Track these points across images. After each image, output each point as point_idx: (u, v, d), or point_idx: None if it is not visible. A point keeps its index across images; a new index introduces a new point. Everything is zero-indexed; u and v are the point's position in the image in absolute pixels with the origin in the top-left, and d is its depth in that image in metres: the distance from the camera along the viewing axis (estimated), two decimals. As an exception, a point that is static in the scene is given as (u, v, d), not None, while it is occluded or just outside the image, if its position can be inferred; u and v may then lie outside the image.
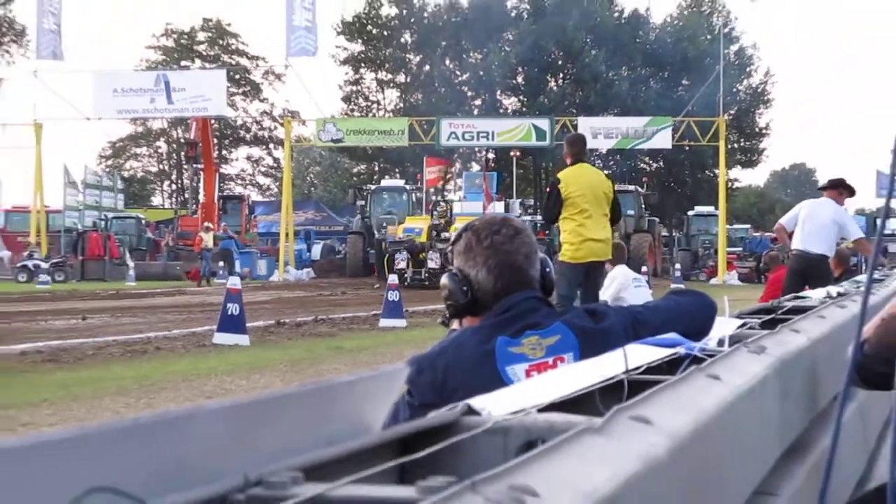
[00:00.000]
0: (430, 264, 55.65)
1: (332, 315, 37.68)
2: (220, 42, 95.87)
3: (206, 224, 70.69)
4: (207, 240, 65.49)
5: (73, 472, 2.40)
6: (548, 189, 19.97)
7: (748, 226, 71.32)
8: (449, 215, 62.88)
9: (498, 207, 67.15)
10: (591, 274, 19.01)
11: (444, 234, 58.88)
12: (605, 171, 32.92)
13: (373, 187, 73.37)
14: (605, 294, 18.58)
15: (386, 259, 59.37)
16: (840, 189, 23.26)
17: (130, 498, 2.41)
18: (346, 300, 51.31)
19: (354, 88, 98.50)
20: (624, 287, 17.90)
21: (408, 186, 75.06)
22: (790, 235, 22.69)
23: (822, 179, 26.61)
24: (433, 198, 67.65)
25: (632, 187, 68.12)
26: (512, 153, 76.69)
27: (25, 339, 27.61)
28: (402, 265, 56.89)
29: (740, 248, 68.78)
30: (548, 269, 5.62)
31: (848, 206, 26.70)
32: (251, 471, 2.79)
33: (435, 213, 61.80)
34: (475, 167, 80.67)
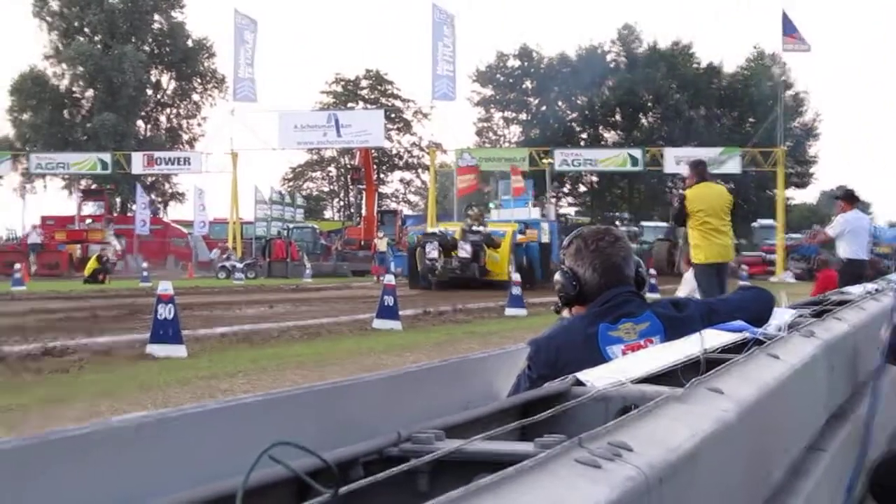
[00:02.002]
0: (462, 254, 48.13)
1: (468, 305, 36.67)
2: (379, 88, 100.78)
3: (380, 233, 75.09)
4: (380, 245, 68.90)
5: (263, 429, 2.42)
6: (677, 203, 19.80)
7: (802, 235, 67.61)
8: (482, 220, 54.15)
9: (534, 213, 60.03)
10: (720, 272, 19.06)
11: (476, 228, 51.21)
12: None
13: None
14: (684, 290, 18.57)
15: (417, 251, 50.90)
16: (856, 200, 24.05)
17: (307, 451, 2.50)
18: (478, 295, 44.78)
19: (485, 125, 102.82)
20: (694, 284, 18.33)
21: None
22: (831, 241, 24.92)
23: (862, 198, 27.84)
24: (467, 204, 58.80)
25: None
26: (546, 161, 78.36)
27: (224, 324, 28.00)
28: (434, 254, 48.97)
29: (795, 253, 66.62)
30: (640, 269, 5.73)
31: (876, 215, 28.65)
32: (403, 429, 2.88)
33: (468, 216, 53.08)
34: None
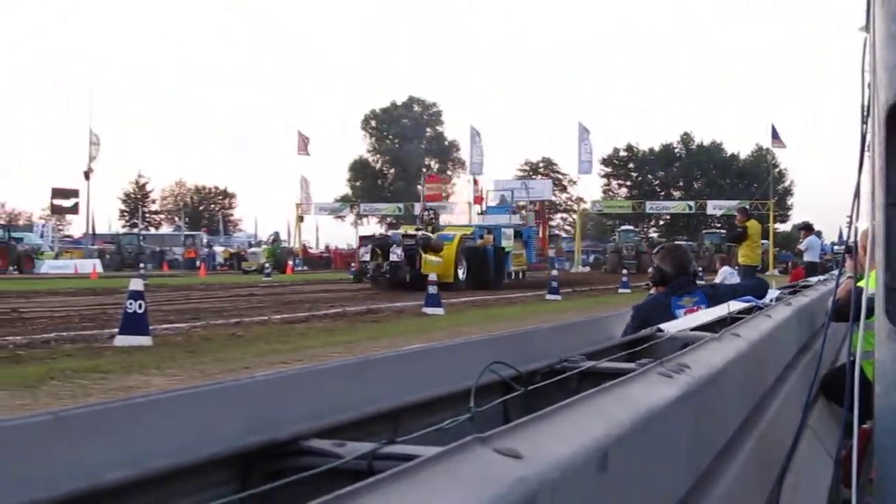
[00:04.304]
0: (392, 257, 39.49)
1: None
2: (550, 167, 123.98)
3: (551, 247, 79.39)
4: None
5: (483, 355, 3.14)
6: (739, 229, 26.74)
7: (786, 251, 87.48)
8: (435, 224, 47.17)
9: (514, 219, 56.28)
10: (755, 269, 25.88)
11: (410, 233, 42.93)
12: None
13: (619, 228, 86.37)
14: (718, 280, 21.10)
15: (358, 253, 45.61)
16: (812, 229, 32.42)
17: (510, 366, 3.32)
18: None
19: (607, 186, 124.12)
20: (726, 275, 20.65)
21: (635, 228, 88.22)
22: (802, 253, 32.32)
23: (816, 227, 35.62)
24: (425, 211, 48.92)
25: (723, 231, 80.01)
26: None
27: (465, 296, 31.42)
28: (367, 257, 41.21)
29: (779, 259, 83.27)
30: (695, 267, 7.50)
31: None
32: (562, 355, 3.77)
33: (422, 221, 46.20)
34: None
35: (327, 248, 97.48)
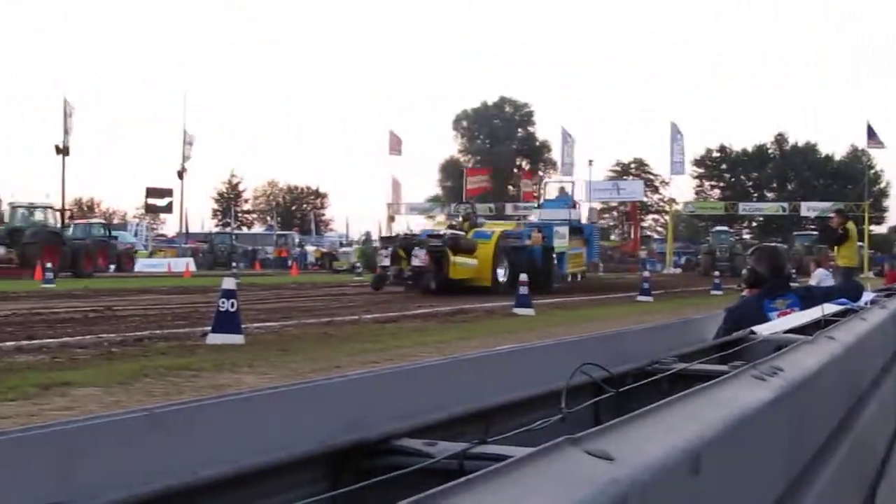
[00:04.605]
0: (414, 262, 32.96)
1: (693, 289, 42.02)
2: (642, 167, 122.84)
3: (643, 248, 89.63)
4: (642, 254, 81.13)
5: (574, 356, 3.30)
6: (839, 232, 25.33)
7: (881, 254, 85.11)
8: (473, 220, 39.36)
9: (574, 214, 48.47)
10: (853, 270, 25.21)
11: (440, 231, 36.89)
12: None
13: (713, 229, 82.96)
14: (812, 282, 20.74)
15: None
16: None
17: (601, 368, 3.33)
18: (696, 281, 51.81)
19: (699, 187, 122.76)
20: (821, 277, 20.34)
21: (728, 230, 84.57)
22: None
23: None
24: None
25: (815, 233, 75.83)
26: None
27: (565, 295, 31.21)
28: (386, 262, 34.15)
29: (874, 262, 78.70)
30: (789, 269, 7.45)
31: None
32: (653, 356, 3.76)
33: (458, 215, 40.21)
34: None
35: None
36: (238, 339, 14.00)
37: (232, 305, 14.08)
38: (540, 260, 37.91)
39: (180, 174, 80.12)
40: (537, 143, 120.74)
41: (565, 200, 50.28)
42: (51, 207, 52.69)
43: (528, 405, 2.62)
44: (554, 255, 40.66)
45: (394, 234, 38.93)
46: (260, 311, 20.02)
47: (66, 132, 61.50)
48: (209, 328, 14.35)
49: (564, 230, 44.17)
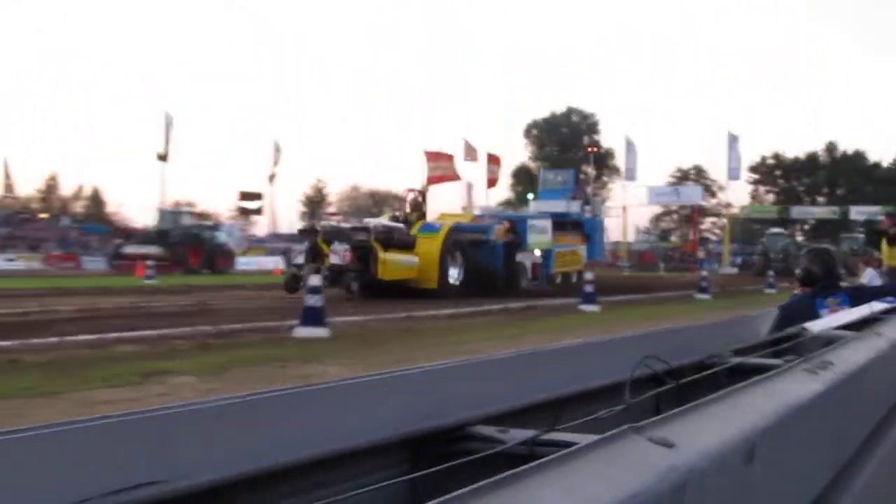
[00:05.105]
0: (333, 259, 25.18)
1: (748, 287, 40.43)
2: (701, 173, 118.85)
3: (701, 249, 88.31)
4: (700, 254, 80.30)
5: (637, 350, 3.25)
6: (891, 232, 23.87)
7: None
8: (423, 210, 30.77)
9: (573, 207, 39.55)
10: None
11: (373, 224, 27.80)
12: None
13: (768, 231, 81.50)
14: (863, 280, 20.25)
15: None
16: None
17: (662, 360, 3.33)
18: (751, 280, 49.84)
19: (755, 192, 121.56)
20: (871, 277, 19.68)
21: (782, 232, 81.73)
22: None
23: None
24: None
25: (861, 236, 75.13)
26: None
27: (621, 293, 28.04)
28: (300, 260, 27.32)
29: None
30: (839, 269, 7.31)
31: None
32: (711, 351, 3.74)
33: (406, 202, 30.70)
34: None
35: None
36: (323, 332, 14.09)
37: (318, 301, 14.19)
38: (502, 257, 30.22)
39: (270, 178, 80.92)
40: (602, 151, 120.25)
41: (564, 190, 41.22)
42: (191, 212, 54.65)
43: (593, 396, 2.62)
44: (538, 253, 33.58)
45: (309, 226, 29.41)
46: (346, 307, 20.07)
47: (166, 141, 63.09)
48: (296, 322, 14.45)
49: (544, 224, 34.88)
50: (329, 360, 11.54)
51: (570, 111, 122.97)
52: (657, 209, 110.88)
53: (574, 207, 39.93)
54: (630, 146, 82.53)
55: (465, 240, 29.06)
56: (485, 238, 30.33)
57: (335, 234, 25.83)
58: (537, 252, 33.43)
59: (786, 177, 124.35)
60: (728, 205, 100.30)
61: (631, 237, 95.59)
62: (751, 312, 5.66)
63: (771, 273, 43.63)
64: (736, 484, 1.79)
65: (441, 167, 37.73)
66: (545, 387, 2.53)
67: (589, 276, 24.27)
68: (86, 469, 1.49)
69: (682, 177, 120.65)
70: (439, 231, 28.34)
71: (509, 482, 1.25)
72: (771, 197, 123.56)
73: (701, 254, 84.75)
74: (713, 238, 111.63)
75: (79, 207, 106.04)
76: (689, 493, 1.49)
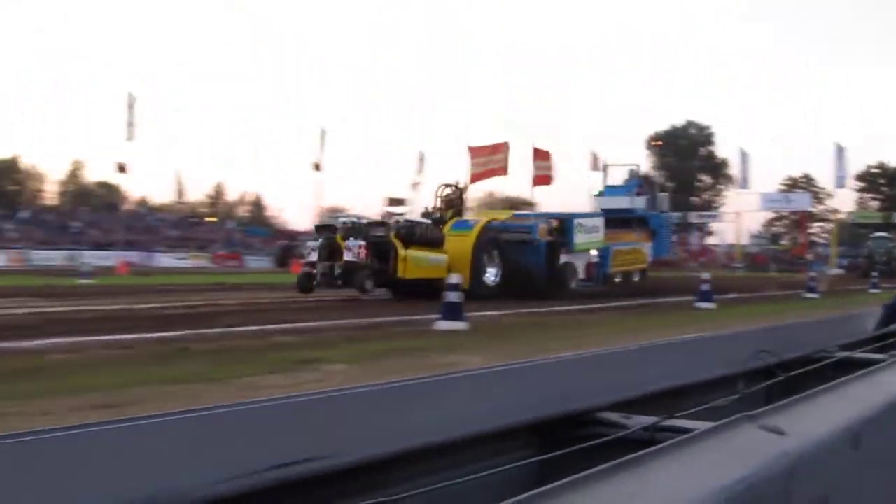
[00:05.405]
0: (347, 256, 21.03)
1: (853, 287, 38.00)
2: (810, 181, 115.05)
3: (809, 253, 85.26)
4: (810, 257, 76.79)
5: (749, 344, 3.36)
6: None
7: None
8: (459, 206, 25.86)
9: (637, 203, 33.22)
10: None
11: (396, 219, 23.91)
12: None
13: (872, 235, 77.09)
14: None
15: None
16: None
17: (771, 354, 3.27)
18: (856, 281, 45.93)
19: (862, 199, 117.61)
20: None
21: (887, 235, 76.54)
22: None
23: None
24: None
25: None
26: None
27: (737, 291, 26.31)
28: (314, 257, 21.40)
29: None
30: None
31: None
32: (819, 346, 3.65)
33: (440, 198, 25.85)
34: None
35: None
36: (462, 325, 14.17)
37: (457, 297, 14.33)
38: (544, 257, 25.25)
39: (414, 185, 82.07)
40: (717, 161, 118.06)
41: (630, 186, 34.51)
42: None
43: (709, 385, 2.59)
44: (594, 252, 28.77)
45: (326, 222, 24.10)
46: (480, 303, 20.12)
47: (320, 152, 65.19)
48: (438, 316, 14.57)
49: (594, 222, 29.29)
50: (467, 351, 11.58)
51: (689, 124, 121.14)
52: (769, 214, 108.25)
53: (639, 203, 33.76)
54: (744, 156, 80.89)
55: (502, 238, 24.54)
56: (526, 236, 25.46)
57: (353, 230, 21.84)
58: (593, 251, 28.76)
59: (890, 184, 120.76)
60: (835, 210, 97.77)
61: (744, 240, 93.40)
62: (856, 311, 5.48)
63: (875, 274, 41.87)
64: (843, 470, 1.76)
65: (489, 161, 30.01)
66: (664, 376, 2.49)
67: (706, 275, 23.67)
68: (254, 445, 1.54)
69: (792, 184, 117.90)
70: (472, 228, 24.10)
71: (632, 465, 1.25)
72: (875, 203, 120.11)
73: (809, 256, 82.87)
74: (821, 241, 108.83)
75: (243, 212, 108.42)
76: (798, 478, 1.46)
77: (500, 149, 29.43)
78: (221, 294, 21.67)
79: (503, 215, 27.71)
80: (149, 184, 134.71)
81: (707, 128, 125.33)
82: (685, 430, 1.57)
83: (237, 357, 9.81)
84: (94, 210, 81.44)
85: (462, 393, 1.94)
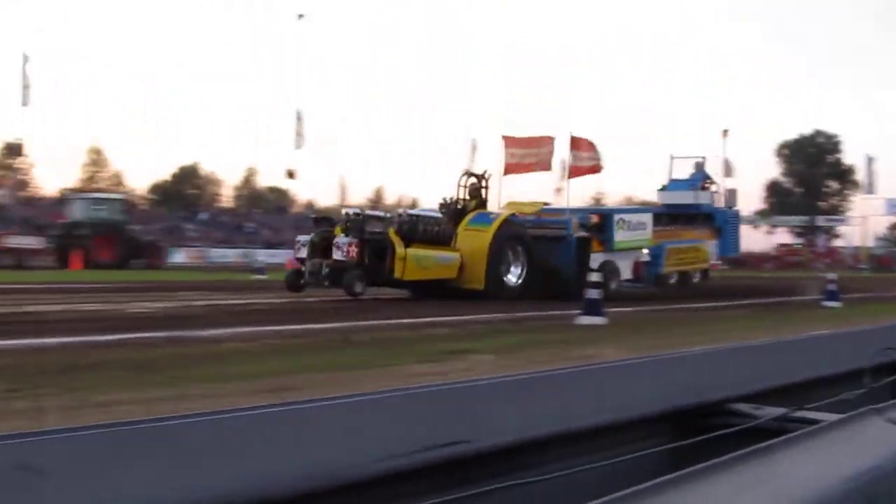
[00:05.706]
0: (336, 254, 17.04)
1: None
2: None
3: None
4: None
5: (874, 340, 3.19)
6: None
7: None
8: (481, 197, 20.50)
9: (702, 197, 27.60)
10: None
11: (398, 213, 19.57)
12: None
13: None
14: None
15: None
16: None
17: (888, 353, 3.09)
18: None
19: None
20: None
21: None
22: None
23: None
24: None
25: None
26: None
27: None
28: (303, 254, 17.54)
29: None
30: None
31: None
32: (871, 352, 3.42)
33: (462, 187, 20.48)
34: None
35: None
36: (601, 320, 14.06)
37: (597, 294, 14.32)
38: (574, 255, 20.71)
39: (557, 191, 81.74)
40: (844, 167, 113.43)
41: (693, 181, 28.86)
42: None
43: (836, 379, 2.50)
44: (644, 250, 24.52)
45: (322, 216, 20.65)
46: (617, 301, 19.85)
47: (471, 158, 66.05)
48: (580, 311, 14.50)
49: (640, 218, 24.70)
50: (605, 344, 11.47)
51: (817, 133, 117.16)
52: (894, 218, 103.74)
53: (704, 198, 28.55)
54: (869, 162, 77.50)
55: (527, 234, 20.56)
56: (558, 232, 21.41)
57: (349, 225, 18.23)
58: (644, 250, 24.50)
59: None
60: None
61: (870, 243, 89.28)
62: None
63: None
64: (970, 463, 1.62)
65: (527, 155, 24.69)
66: (793, 370, 2.40)
67: (832, 276, 22.67)
68: (408, 427, 1.55)
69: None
70: (492, 223, 19.78)
71: (762, 454, 1.20)
72: None
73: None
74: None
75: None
76: (925, 470, 1.37)
77: (544, 142, 24.85)
78: (377, 288, 21.64)
79: (531, 208, 23.08)
80: (315, 188, 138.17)
81: (834, 136, 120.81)
82: (813, 422, 1.50)
83: (391, 347, 9.93)
84: (265, 212, 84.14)
85: (601, 382, 1.92)
